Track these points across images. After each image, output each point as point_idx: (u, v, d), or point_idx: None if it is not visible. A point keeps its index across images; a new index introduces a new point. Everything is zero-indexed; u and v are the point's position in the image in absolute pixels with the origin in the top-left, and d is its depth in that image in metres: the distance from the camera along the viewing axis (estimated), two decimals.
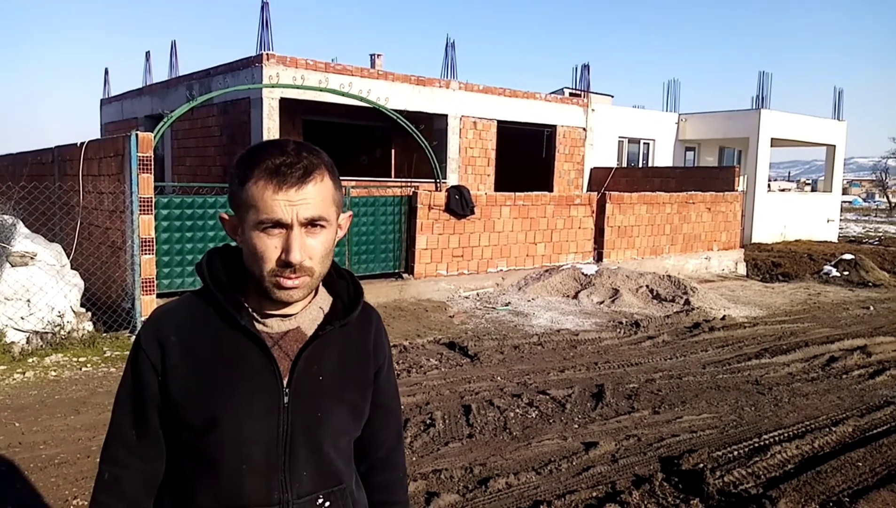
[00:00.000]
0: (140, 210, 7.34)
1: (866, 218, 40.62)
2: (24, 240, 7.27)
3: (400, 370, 6.52)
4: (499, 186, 16.03)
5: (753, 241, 19.14)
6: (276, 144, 1.29)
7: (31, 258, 7.07)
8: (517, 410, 5.49)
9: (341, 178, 1.37)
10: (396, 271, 10.23)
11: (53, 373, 6.23)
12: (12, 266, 6.84)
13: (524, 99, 16.78)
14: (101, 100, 19.58)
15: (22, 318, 6.73)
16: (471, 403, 5.56)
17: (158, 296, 7.59)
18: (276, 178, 1.24)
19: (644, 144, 20.97)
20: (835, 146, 22.62)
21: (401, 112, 11.52)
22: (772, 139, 20.21)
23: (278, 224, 1.25)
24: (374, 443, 1.55)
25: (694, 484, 4.15)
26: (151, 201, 7.46)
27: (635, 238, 13.02)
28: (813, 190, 38.69)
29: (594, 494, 4.05)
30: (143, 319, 7.32)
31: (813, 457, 4.65)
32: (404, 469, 1.65)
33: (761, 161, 19.80)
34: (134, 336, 6.46)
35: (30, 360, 6.47)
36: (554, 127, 17.65)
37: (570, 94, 19.08)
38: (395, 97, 14.07)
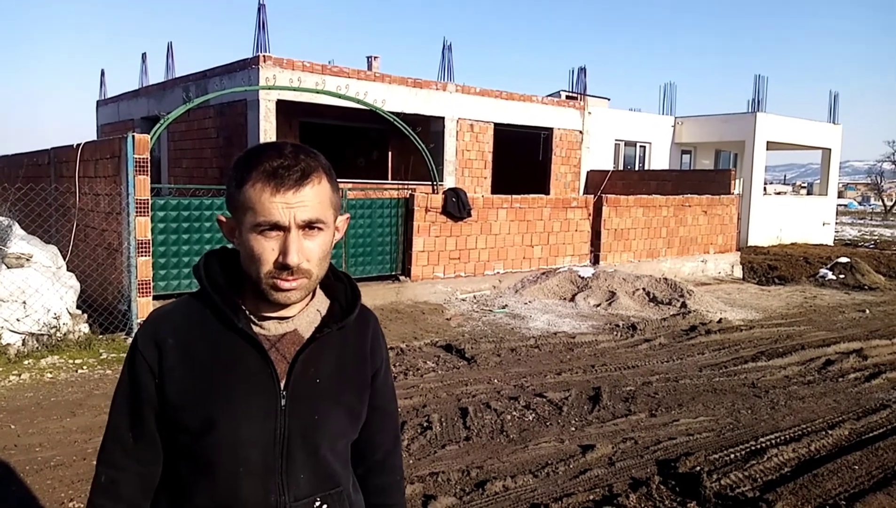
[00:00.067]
0: (136, 212, 7.33)
1: (862, 221, 40.73)
2: (19, 242, 7.25)
3: (397, 372, 6.51)
4: (495, 189, 16.04)
5: (749, 244, 19.18)
6: (274, 147, 1.29)
7: (27, 260, 7.05)
8: (514, 413, 5.48)
9: (338, 180, 1.37)
10: (393, 273, 10.23)
11: (49, 375, 6.21)
12: (8, 268, 6.82)
13: (521, 102, 16.81)
14: (98, 101, 19.56)
15: (18, 320, 6.71)
16: (468, 406, 5.56)
17: (155, 298, 7.57)
18: (274, 180, 1.24)
19: (640, 147, 21.00)
20: (830, 150, 22.69)
21: (398, 114, 11.53)
22: (767, 143, 20.26)
23: (276, 227, 1.25)
24: (371, 446, 1.54)
25: (691, 487, 4.15)
26: (148, 203, 7.45)
27: (632, 241, 13.04)
28: (809, 193, 38.82)
29: (591, 497, 4.05)
30: (139, 321, 7.31)
31: (809, 460, 4.66)
32: (401, 472, 1.65)
33: (757, 164, 19.85)
34: (130, 338, 6.43)
35: (25, 362, 6.45)
36: (550, 130, 17.67)
37: (567, 97, 19.11)
38: (391, 99, 14.08)
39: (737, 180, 16.10)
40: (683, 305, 10.09)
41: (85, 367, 6.48)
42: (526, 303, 10.32)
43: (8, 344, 6.61)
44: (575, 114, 18.17)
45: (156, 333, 1.34)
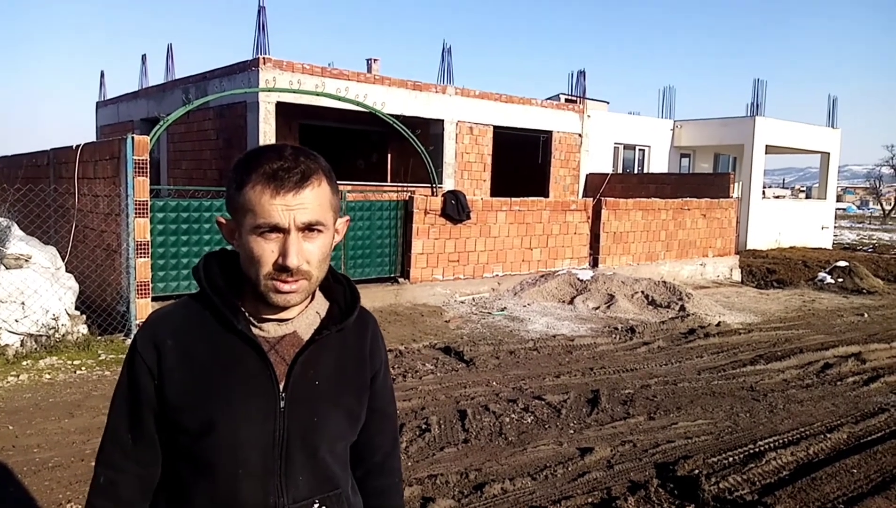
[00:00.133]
0: (135, 213, 7.33)
1: (860, 225, 40.78)
2: (18, 242, 7.25)
3: (395, 374, 6.51)
4: (495, 192, 16.05)
5: (748, 247, 19.20)
6: (274, 149, 1.29)
7: (26, 261, 7.04)
8: (513, 415, 5.48)
9: (337, 182, 1.37)
10: (392, 275, 10.23)
11: (48, 376, 6.21)
12: (7, 268, 6.81)
13: (520, 105, 16.82)
14: (97, 102, 19.56)
15: (16, 320, 6.71)
16: (466, 408, 5.55)
17: (153, 299, 7.57)
18: (274, 182, 1.24)
19: (639, 150, 21.03)
20: (829, 154, 22.73)
21: (397, 117, 11.54)
22: (766, 146, 20.30)
23: (275, 228, 1.25)
24: (370, 448, 1.55)
25: (689, 491, 4.15)
26: (147, 205, 7.45)
27: (631, 244, 13.05)
28: (807, 197, 38.85)
29: (589, 500, 4.05)
30: (137, 322, 7.31)
31: (808, 464, 4.66)
32: (400, 475, 1.65)
33: (756, 168, 19.87)
34: (129, 339, 6.42)
35: (24, 363, 6.45)
36: (550, 133, 17.69)
37: (566, 100, 19.13)
38: (391, 102, 14.09)
39: (736, 184, 16.11)
40: (682, 308, 10.10)
41: (83, 368, 6.48)
42: (525, 306, 10.33)
43: (6, 345, 6.60)
44: (574, 117, 18.19)
45: (155, 334, 1.34)
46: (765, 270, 15.34)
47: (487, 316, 9.66)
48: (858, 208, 66.36)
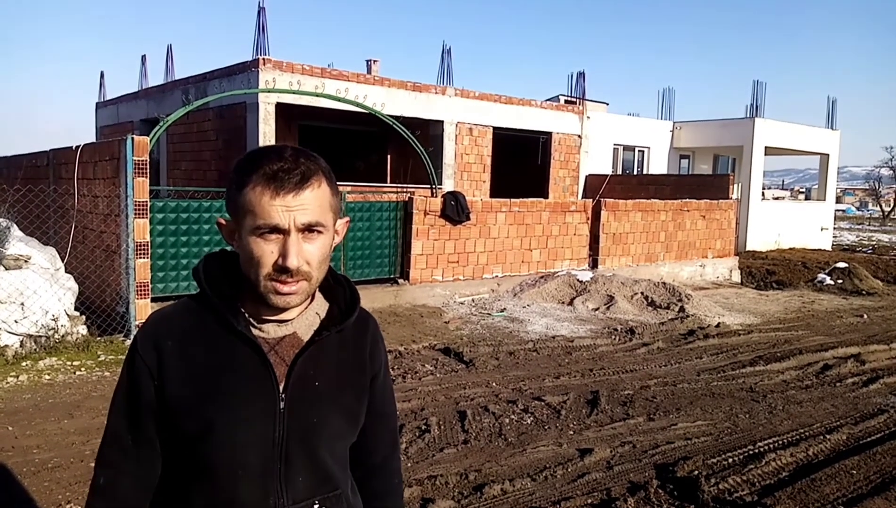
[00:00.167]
0: (135, 214, 7.33)
1: (860, 227, 40.81)
2: (18, 243, 7.25)
3: (395, 375, 6.51)
4: (494, 193, 16.05)
5: (748, 249, 19.21)
6: (274, 150, 1.29)
7: (25, 261, 7.04)
8: (512, 416, 5.48)
9: (337, 183, 1.37)
10: (392, 276, 10.23)
11: (47, 377, 6.20)
12: (6, 269, 6.81)
13: (520, 106, 16.83)
14: (97, 103, 19.56)
15: (16, 321, 6.70)
16: (466, 409, 5.55)
17: (153, 300, 7.57)
18: (274, 183, 1.24)
19: (639, 151, 21.04)
20: (828, 155, 22.74)
21: (397, 118, 11.54)
22: (766, 148, 20.30)
23: (275, 229, 1.25)
24: (369, 449, 1.54)
25: (689, 492, 4.15)
26: (147, 205, 7.45)
27: (630, 245, 13.05)
28: (807, 198, 38.86)
29: (589, 501, 4.05)
30: (137, 323, 7.30)
31: (807, 465, 4.66)
32: (400, 475, 1.65)
33: (755, 169, 19.88)
34: (128, 340, 6.41)
35: (23, 363, 6.44)
36: (549, 134, 17.69)
37: (566, 101, 19.14)
38: (391, 103, 14.10)
39: (735, 185, 16.12)
40: (682, 309, 10.10)
41: (83, 369, 6.47)
42: (524, 307, 10.33)
43: (6, 346, 6.60)
44: (574, 118, 18.20)
45: (155, 335, 1.34)
46: (764, 271, 15.34)
47: (487, 317, 9.66)
48: (858, 209, 66.40)
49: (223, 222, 1.36)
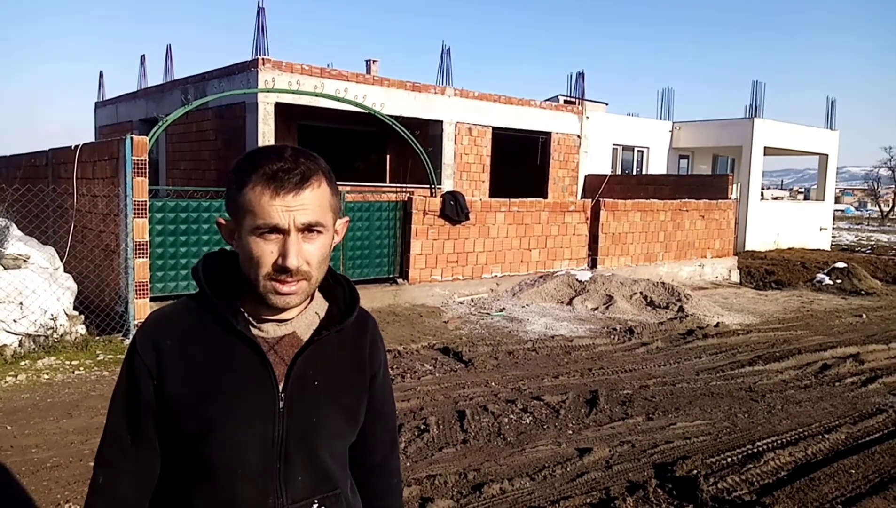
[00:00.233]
0: (134, 213, 7.33)
1: (858, 227, 40.84)
2: (16, 243, 7.25)
3: (394, 375, 6.51)
4: (494, 193, 16.05)
5: (747, 249, 19.22)
6: (274, 150, 1.29)
7: (24, 261, 7.04)
8: (511, 416, 5.49)
9: (336, 183, 1.37)
10: (391, 276, 10.23)
11: (46, 376, 6.20)
12: (5, 269, 6.81)
13: (519, 106, 16.83)
14: (96, 103, 19.54)
15: (14, 321, 6.70)
16: (465, 408, 5.56)
17: (152, 300, 7.57)
18: (274, 183, 1.24)
19: (638, 151, 21.04)
20: (827, 155, 22.76)
21: (396, 118, 11.54)
22: (765, 148, 20.31)
23: (275, 229, 1.25)
24: (369, 448, 1.55)
25: (688, 491, 4.16)
26: (146, 205, 7.45)
27: (629, 245, 13.06)
28: (806, 199, 38.91)
29: (588, 500, 4.05)
30: (136, 322, 7.30)
31: (806, 464, 4.66)
32: (399, 475, 1.65)
33: (754, 169, 19.89)
34: (127, 340, 6.41)
35: (22, 363, 6.44)
36: (549, 134, 17.70)
37: (565, 101, 19.14)
38: (390, 103, 14.10)
39: (734, 185, 16.12)
40: (681, 309, 10.10)
41: (82, 368, 6.47)
42: (523, 306, 10.33)
43: (4, 345, 6.60)
44: (573, 118, 18.21)
45: (154, 335, 1.34)
46: (763, 271, 15.35)
47: (486, 317, 9.66)
48: (857, 209, 66.46)
49: (223, 221, 1.36)
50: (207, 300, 1.34)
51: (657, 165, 21.30)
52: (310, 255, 1.28)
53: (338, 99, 11.76)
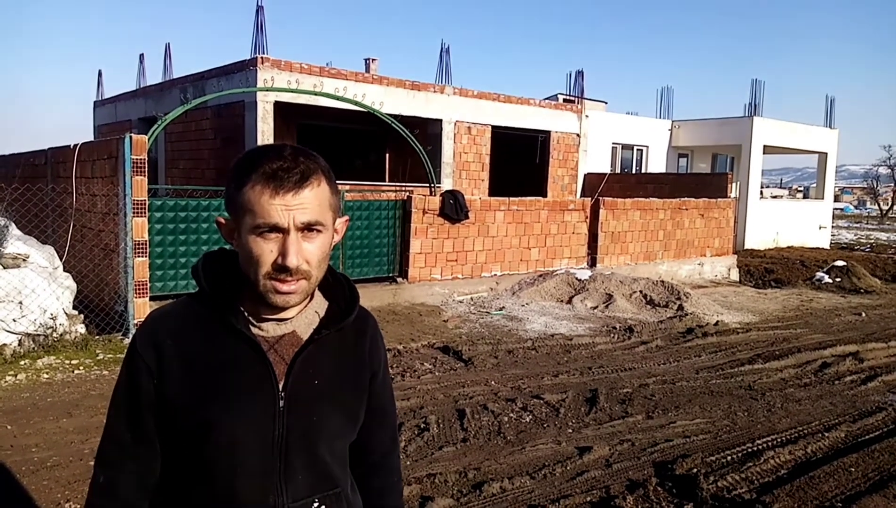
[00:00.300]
0: (133, 213, 7.32)
1: (858, 225, 40.85)
2: (16, 242, 7.24)
3: (394, 374, 6.51)
4: (493, 192, 16.05)
5: (746, 247, 19.23)
6: (274, 149, 1.29)
7: (24, 260, 7.04)
8: (511, 414, 5.49)
9: (336, 182, 1.37)
10: (390, 275, 10.23)
11: (46, 376, 6.20)
12: (4, 268, 6.80)
13: (518, 105, 16.83)
14: (95, 102, 19.53)
15: (14, 320, 6.70)
16: (465, 407, 5.56)
17: (151, 299, 7.57)
18: (274, 182, 1.24)
19: (637, 150, 21.04)
20: (827, 154, 22.76)
21: (395, 117, 11.54)
22: (764, 146, 20.32)
23: (275, 228, 1.25)
24: (369, 447, 1.55)
25: (688, 489, 4.16)
26: (145, 204, 7.44)
27: (629, 244, 13.06)
28: (805, 197, 38.92)
29: (588, 499, 4.05)
30: (135, 321, 7.30)
31: (806, 462, 4.67)
32: (399, 474, 1.66)
33: (754, 168, 19.90)
34: (127, 339, 6.40)
35: (22, 362, 6.44)
36: (548, 133, 17.70)
37: (564, 100, 19.14)
38: (389, 102, 14.09)
39: (733, 184, 16.13)
40: (680, 307, 10.11)
41: (81, 368, 6.47)
42: (523, 305, 10.33)
43: (4, 345, 6.59)
44: (572, 117, 18.20)
45: (154, 334, 1.34)
46: (763, 269, 15.36)
47: (486, 316, 9.66)
48: (856, 207, 66.47)
49: (222, 220, 1.35)
50: (207, 299, 1.34)
51: (656, 163, 21.31)
52: (309, 254, 1.28)
53: (337, 98, 11.76)
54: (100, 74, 19.85)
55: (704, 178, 17.26)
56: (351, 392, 1.44)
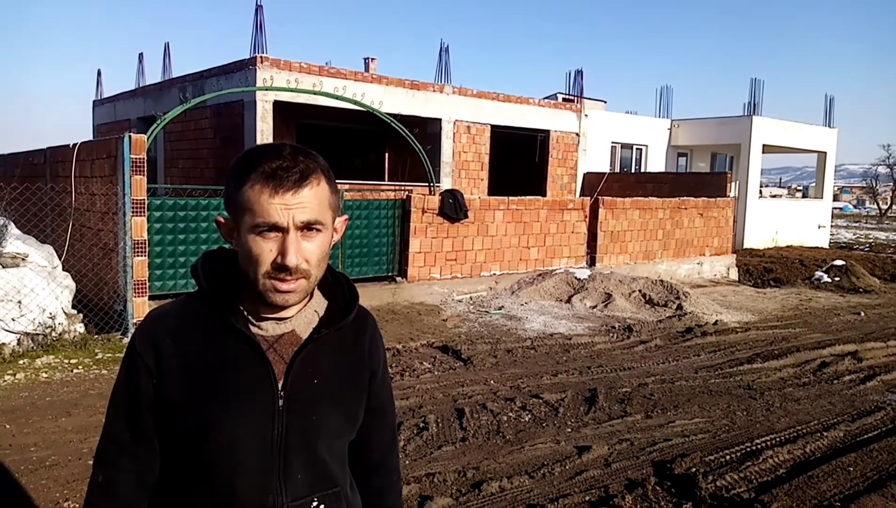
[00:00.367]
0: (133, 212, 7.32)
1: (857, 224, 40.88)
2: (15, 241, 7.24)
3: (393, 373, 6.51)
4: (492, 191, 16.05)
5: (745, 246, 19.23)
6: (273, 148, 1.29)
7: (23, 260, 7.03)
8: (510, 414, 5.49)
9: (335, 181, 1.37)
10: (390, 274, 10.23)
11: (44, 375, 6.20)
12: (3, 267, 6.80)
13: (518, 104, 16.83)
14: (94, 101, 19.52)
15: (13, 319, 6.69)
16: (464, 406, 5.56)
17: (150, 298, 7.56)
18: (273, 181, 1.24)
19: (637, 149, 21.05)
20: (826, 153, 22.77)
21: (395, 116, 11.54)
22: (763, 146, 20.32)
23: (274, 228, 1.25)
24: (368, 446, 1.55)
25: (686, 489, 4.16)
26: (144, 203, 7.44)
27: (628, 243, 13.06)
28: (804, 196, 38.94)
29: (587, 498, 4.06)
30: (134, 321, 7.30)
31: (805, 462, 4.67)
32: (398, 473, 1.66)
33: (753, 167, 19.90)
34: (126, 338, 6.40)
35: (20, 362, 6.43)
36: (547, 132, 17.70)
37: (564, 99, 19.14)
38: (389, 101, 14.09)
39: (733, 183, 16.13)
40: (679, 307, 10.11)
41: (80, 367, 6.47)
42: (522, 304, 10.33)
43: (3, 344, 6.59)
44: (571, 116, 18.20)
45: (154, 333, 1.34)
46: (762, 269, 15.37)
47: (485, 315, 9.66)
48: (855, 207, 66.50)
49: (222, 219, 1.35)
50: (207, 299, 1.34)
51: (656, 162, 21.31)
52: (309, 253, 1.28)
53: (336, 97, 11.75)
54: (99, 73, 19.86)
55: (704, 177, 17.26)
56: (350, 391, 1.44)
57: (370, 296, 9.54)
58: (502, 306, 10.14)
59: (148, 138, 7.60)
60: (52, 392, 5.78)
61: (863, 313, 10.56)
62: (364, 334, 1.49)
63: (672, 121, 21.66)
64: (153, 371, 1.32)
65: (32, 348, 6.72)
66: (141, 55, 18.25)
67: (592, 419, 5.46)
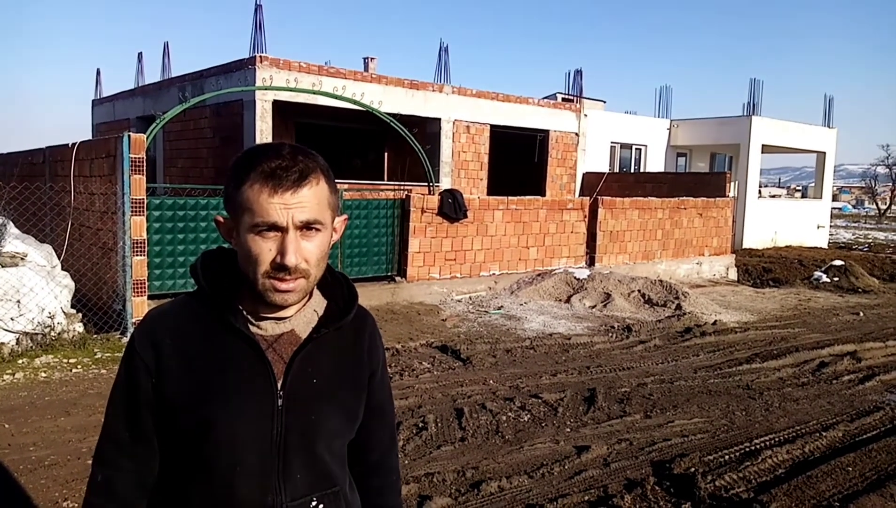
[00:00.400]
0: (132, 211, 7.32)
1: (856, 224, 40.90)
2: (14, 240, 7.23)
3: (392, 373, 6.51)
4: (492, 191, 16.05)
5: (744, 246, 19.24)
6: (272, 148, 1.29)
7: (22, 259, 7.03)
8: (509, 413, 5.49)
9: (334, 180, 1.37)
10: (389, 274, 10.23)
11: (43, 374, 6.19)
12: (2, 267, 6.80)
13: (517, 104, 16.83)
14: (93, 101, 19.50)
15: (12, 319, 6.69)
16: (463, 406, 5.56)
17: (150, 298, 7.56)
18: (272, 181, 1.24)
19: (636, 149, 21.05)
20: (825, 153, 22.78)
21: (394, 116, 11.54)
22: (763, 146, 20.33)
23: (274, 227, 1.25)
24: (367, 446, 1.55)
25: (685, 489, 4.17)
26: (143, 203, 7.44)
27: (627, 243, 13.07)
28: (803, 196, 38.95)
29: (586, 498, 4.06)
30: (134, 320, 7.29)
31: (803, 462, 4.67)
32: (398, 473, 1.66)
33: (752, 167, 19.91)
34: (125, 338, 6.40)
35: (20, 361, 6.43)
36: (547, 132, 17.70)
37: (563, 99, 19.14)
38: (388, 101, 14.08)
39: (732, 183, 16.14)
40: (678, 307, 10.11)
41: (79, 366, 6.46)
42: (521, 304, 10.33)
43: (2, 343, 6.59)
44: (571, 116, 18.20)
45: (153, 333, 1.34)
46: (761, 269, 15.37)
47: (484, 315, 9.67)
48: (854, 207, 66.54)
49: (221, 219, 1.35)
50: (206, 298, 1.34)
51: (655, 162, 21.32)
52: (308, 253, 1.28)
53: (335, 97, 11.75)
54: (98, 72, 19.85)
55: (703, 177, 17.27)
56: (350, 391, 1.44)
57: (369, 296, 9.53)
58: (501, 306, 10.15)
59: (147, 138, 7.60)
60: (51, 392, 5.78)
61: (862, 314, 10.57)
62: (363, 333, 1.49)
63: (671, 121, 21.67)
64: (152, 371, 1.32)
65: (31, 347, 6.72)
66: (140, 55, 18.25)
67: (591, 419, 5.47)
